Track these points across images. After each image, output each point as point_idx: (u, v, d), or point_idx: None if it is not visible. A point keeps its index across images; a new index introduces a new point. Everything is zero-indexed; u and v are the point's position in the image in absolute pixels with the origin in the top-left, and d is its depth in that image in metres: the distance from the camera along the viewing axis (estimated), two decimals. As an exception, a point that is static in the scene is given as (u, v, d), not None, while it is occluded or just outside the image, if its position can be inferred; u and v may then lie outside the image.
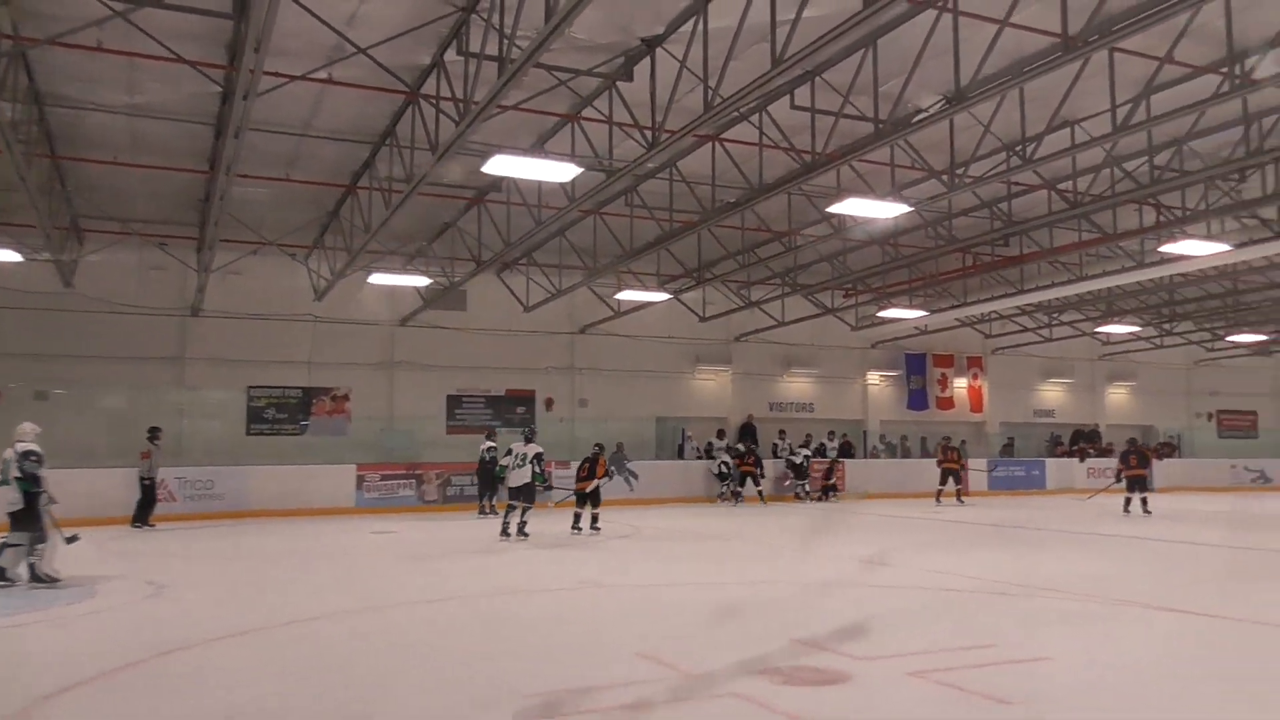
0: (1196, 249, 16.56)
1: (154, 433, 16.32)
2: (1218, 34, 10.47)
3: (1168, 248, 16.90)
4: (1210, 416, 33.10)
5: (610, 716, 4.94)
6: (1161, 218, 17.13)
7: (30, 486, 9.41)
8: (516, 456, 13.47)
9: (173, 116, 13.45)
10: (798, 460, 23.64)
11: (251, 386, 21.22)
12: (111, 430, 19.25)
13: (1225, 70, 10.71)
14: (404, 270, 20.02)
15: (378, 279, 19.33)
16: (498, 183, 16.02)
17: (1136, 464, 18.56)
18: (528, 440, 13.73)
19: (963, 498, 22.35)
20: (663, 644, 6.52)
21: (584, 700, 5.18)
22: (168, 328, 20.51)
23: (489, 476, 18.05)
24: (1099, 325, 27.25)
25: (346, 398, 22.11)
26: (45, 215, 14.51)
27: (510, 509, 13.57)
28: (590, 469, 14.87)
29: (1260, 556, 11.80)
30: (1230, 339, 28.95)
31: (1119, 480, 19.62)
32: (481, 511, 18.49)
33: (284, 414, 21.51)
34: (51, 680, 5.68)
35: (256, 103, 10.29)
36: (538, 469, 13.33)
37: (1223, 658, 6.23)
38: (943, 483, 21.90)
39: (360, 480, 19.66)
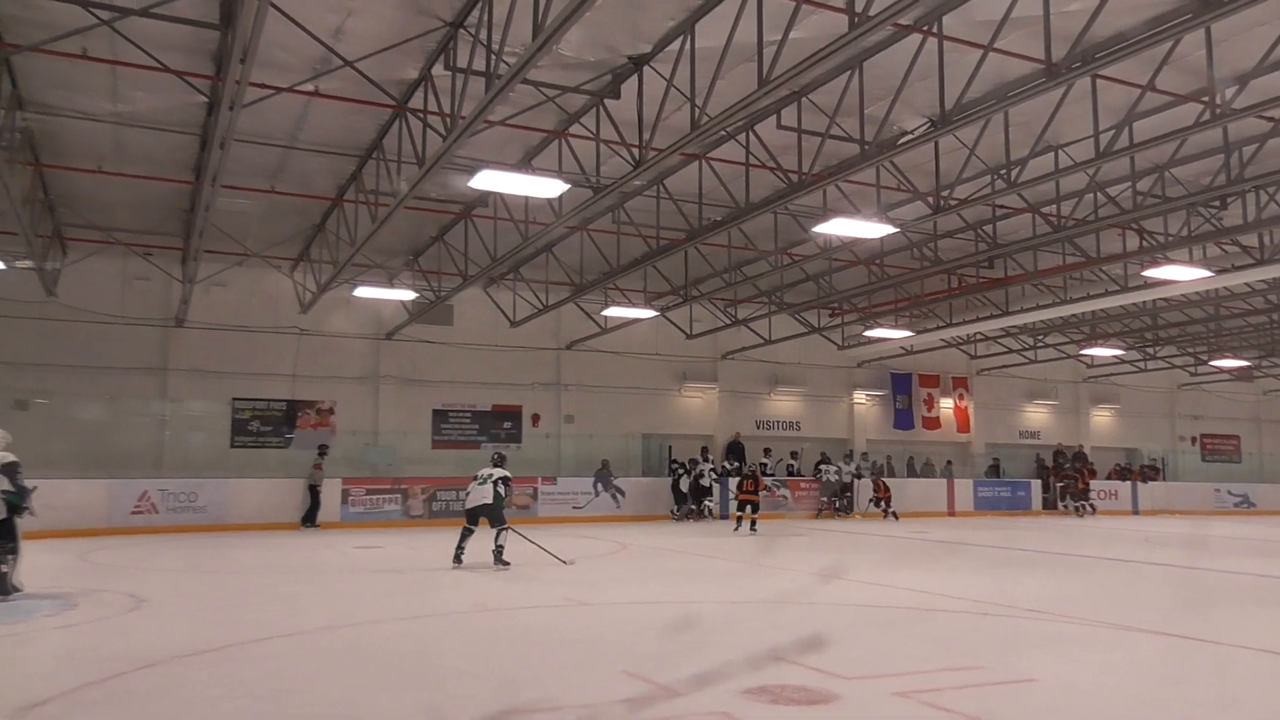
0: (1178, 274, 16.71)
1: (322, 450, 19.34)
2: (1198, 64, 10.60)
3: (1150, 272, 17.07)
4: (1194, 440, 33.30)
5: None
6: (1144, 243, 17.26)
7: (18, 499, 9.18)
8: (480, 477, 12.44)
9: (158, 126, 13.42)
10: (846, 479, 24.25)
11: (236, 398, 21.12)
12: (92, 441, 19.10)
13: (1206, 100, 10.82)
14: (390, 284, 19.98)
15: (363, 292, 19.29)
16: (484, 198, 16.03)
17: (752, 488, 18.98)
18: (496, 464, 12.63)
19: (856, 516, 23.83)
20: (649, 662, 6.47)
21: (569, 719, 5.13)
22: (151, 338, 20.40)
23: (698, 490, 22.30)
24: (1083, 348, 27.44)
25: (331, 411, 22.01)
26: (28, 223, 14.43)
27: (466, 532, 12.27)
28: (754, 484, 18.70)
29: (1238, 580, 11.86)
30: (1213, 364, 29.16)
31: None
32: (675, 515, 22.22)
33: (269, 426, 21.39)
34: (15, 697, 5.57)
35: (242, 114, 10.28)
36: (501, 490, 12.27)
37: (1197, 681, 6.24)
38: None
39: (345, 494, 19.56)
